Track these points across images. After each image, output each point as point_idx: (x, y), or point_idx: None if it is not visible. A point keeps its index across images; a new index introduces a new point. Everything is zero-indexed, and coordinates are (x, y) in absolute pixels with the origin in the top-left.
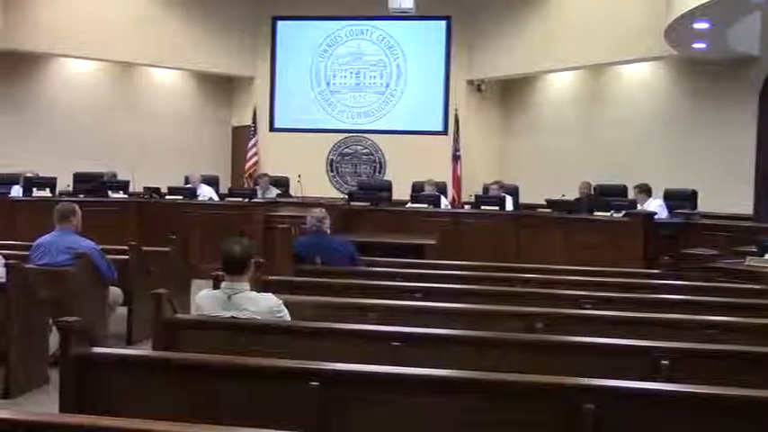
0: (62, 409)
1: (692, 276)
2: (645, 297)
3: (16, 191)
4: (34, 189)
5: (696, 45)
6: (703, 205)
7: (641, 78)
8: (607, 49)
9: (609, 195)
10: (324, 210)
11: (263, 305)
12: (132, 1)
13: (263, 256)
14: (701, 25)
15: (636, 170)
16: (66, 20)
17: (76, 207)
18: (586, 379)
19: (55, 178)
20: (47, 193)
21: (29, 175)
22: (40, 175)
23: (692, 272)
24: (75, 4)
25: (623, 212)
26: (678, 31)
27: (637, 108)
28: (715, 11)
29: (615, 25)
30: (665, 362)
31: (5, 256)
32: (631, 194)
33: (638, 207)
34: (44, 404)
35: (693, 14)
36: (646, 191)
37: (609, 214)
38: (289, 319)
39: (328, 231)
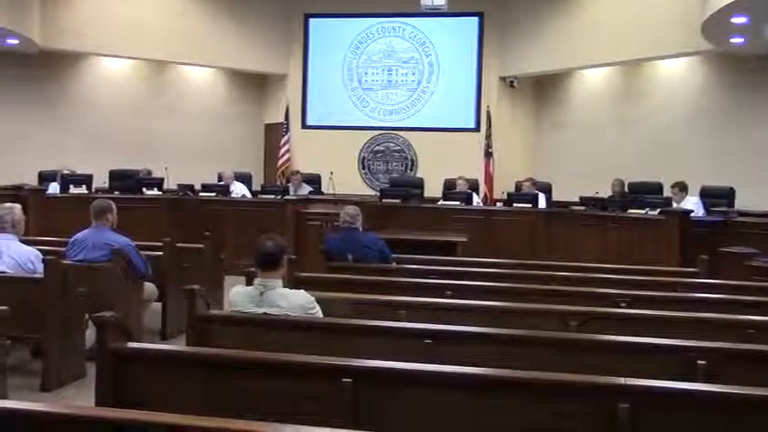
0: (98, 403)
1: (729, 275)
2: (681, 296)
3: (53, 188)
4: (71, 186)
5: (734, 40)
6: (741, 203)
7: (677, 74)
8: (642, 45)
9: (643, 193)
10: (356, 207)
11: (296, 302)
12: (166, 0)
13: (295, 253)
14: (739, 20)
15: (671, 167)
16: (100, 19)
17: (112, 204)
18: (622, 378)
19: (91, 175)
20: (83, 190)
21: (66, 172)
22: (77, 172)
23: (730, 271)
24: (109, 4)
25: (658, 210)
26: (715, 25)
27: (672, 104)
28: (753, 5)
29: (650, 21)
30: (702, 362)
31: (43, 252)
32: (666, 192)
33: (674, 205)
34: (81, 398)
35: (731, 9)
36: (684, 189)
37: (643, 212)
38: (321, 316)
39: (360, 228)
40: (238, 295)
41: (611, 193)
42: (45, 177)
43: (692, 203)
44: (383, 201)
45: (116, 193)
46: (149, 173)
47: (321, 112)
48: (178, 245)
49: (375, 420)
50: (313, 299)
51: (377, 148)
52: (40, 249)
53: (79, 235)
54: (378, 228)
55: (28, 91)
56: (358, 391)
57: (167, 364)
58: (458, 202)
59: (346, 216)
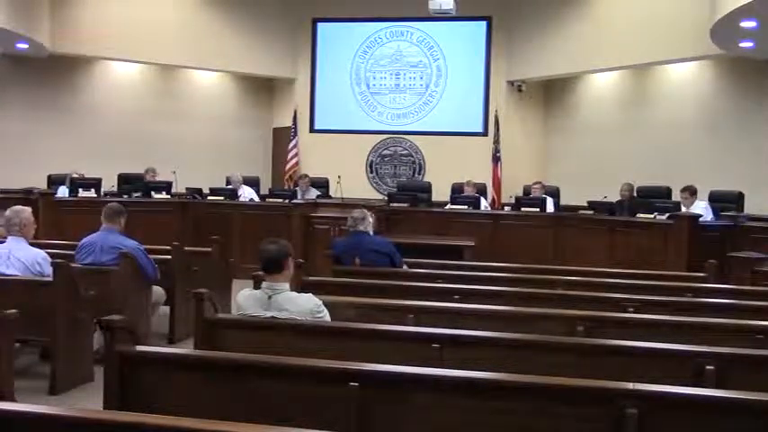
0: (106, 406)
1: (738, 280)
2: (690, 301)
3: (62, 191)
4: (80, 190)
5: (743, 44)
6: (750, 207)
7: (686, 78)
8: (651, 49)
9: (651, 197)
10: (364, 210)
11: (303, 306)
12: (174, 4)
13: (302, 257)
14: (749, 24)
15: (680, 172)
16: (110, 24)
17: (125, 209)
18: (630, 383)
19: (100, 179)
20: (92, 193)
21: (75, 176)
22: (86, 176)
23: (738, 275)
24: (118, 9)
25: (666, 215)
26: (724, 29)
27: (681, 108)
28: (762, 9)
29: (659, 25)
30: (711, 367)
31: (52, 255)
32: (675, 196)
33: (684, 209)
34: (88, 401)
35: (740, 13)
36: (694, 193)
37: (652, 216)
38: (328, 319)
39: (370, 231)
40: (246, 299)
41: (620, 198)
42: (54, 181)
43: (701, 208)
44: (391, 205)
45: (125, 196)
46: (154, 172)
47: (329, 116)
48: (186, 248)
49: (382, 424)
50: (320, 302)
51: (385, 152)
52: (49, 252)
53: (88, 238)
54: (386, 232)
55: (37, 95)
56: (365, 395)
57: (175, 368)
58: (466, 207)
59: (352, 219)
